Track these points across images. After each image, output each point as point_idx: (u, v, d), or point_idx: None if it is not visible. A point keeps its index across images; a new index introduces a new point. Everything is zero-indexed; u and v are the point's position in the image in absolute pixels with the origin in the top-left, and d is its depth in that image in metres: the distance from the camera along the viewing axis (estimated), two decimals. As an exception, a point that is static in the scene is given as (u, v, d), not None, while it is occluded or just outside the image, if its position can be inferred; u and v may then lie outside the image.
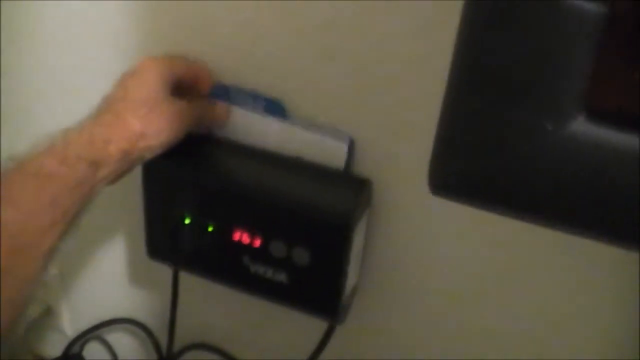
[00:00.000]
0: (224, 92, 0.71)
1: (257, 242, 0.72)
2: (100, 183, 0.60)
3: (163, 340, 0.90)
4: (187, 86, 0.68)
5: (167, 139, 0.64)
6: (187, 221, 0.73)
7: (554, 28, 0.26)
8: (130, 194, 0.79)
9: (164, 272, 0.81)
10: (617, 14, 0.25)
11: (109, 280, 0.94)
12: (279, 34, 0.67)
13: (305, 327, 0.79)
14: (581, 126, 0.27)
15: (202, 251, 0.75)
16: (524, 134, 0.27)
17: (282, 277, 0.72)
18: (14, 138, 0.86)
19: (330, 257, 0.70)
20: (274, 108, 0.70)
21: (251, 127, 0.71)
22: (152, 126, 0.62)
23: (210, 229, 0.73)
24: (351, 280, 0.73)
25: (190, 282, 0.81)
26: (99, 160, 0.59)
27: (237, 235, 0.72)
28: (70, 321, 1.01)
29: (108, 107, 0.63)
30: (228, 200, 0.71)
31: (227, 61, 0.71)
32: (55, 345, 1.02)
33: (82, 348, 0.99)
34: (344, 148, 0.68)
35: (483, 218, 0.61)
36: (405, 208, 0.70)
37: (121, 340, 0.99)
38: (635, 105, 0.26)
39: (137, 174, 0.70)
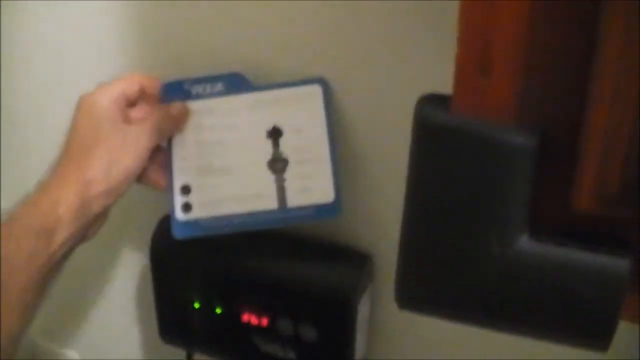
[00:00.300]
0: (178, 88, 0.68)
1: (265, 322, 0.75)
2: (60, 249, 0.58)
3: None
4: (134, 99, 0.66)
5: (124, 171, 0.61)
6: (196, 305, 0.77)
7: (490, 163, 0.29)
8: (141, 278, 0.83)
9: (178, 354, 0.83)
10: (545, 145, 0.29)
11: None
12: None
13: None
14: (525, 244, 0.30)
15: (212, 333, 0.78)
16: (473, 256, 0.31)
17: (291, 354, 0.75)
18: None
19: (336, 332, 0.73)
20: (235, 83, 0.68)
21: (219, 112, 0.68)
22: (99, 167, 0.59)
23: (218, 311, 0.76)
24: (359, 353, 0.75)
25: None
26: (49, 227, 0.57)
27: (245, 316, 0.75)
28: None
29: (52, 168, 0.61)
30: (234, 283, 0.75)
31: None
32: None
33: None
34: (319, 89, 0.66)
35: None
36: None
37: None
38: (570, 223, 0.29)
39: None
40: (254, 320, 0.75)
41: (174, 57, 0.74)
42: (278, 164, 0.66)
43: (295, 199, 0.66)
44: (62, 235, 0.57)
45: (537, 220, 0.30)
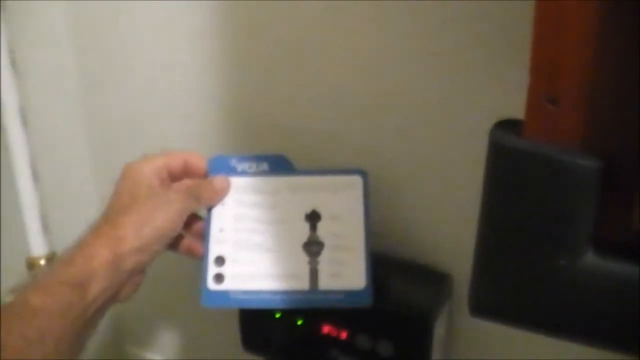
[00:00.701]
0: (225, 163, 0.72)
1: (344, 335, 0.79)
2: (94, 302, 0.61)
3: None
4: (178, 174, 0.70)
5: (155, 231, 0.64)
6: (277, 315, 0.82)
7: (558, 184, 0.33)
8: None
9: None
10: (610, 166, 0.32)
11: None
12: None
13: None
14: (590, 260, 0.34)
15: (292, 344, 0.83)
16: (542, 270, 0.34)
17: (368, 369, 0.79)
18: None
19: (413, 349, 0.76)
20: (279, 164, 0.72)
21: (261, 190, 0.72)
22: (131, 225, 0.63)
23: (299, 322, 0.81)
24: (436, 371, 0.78)
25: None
26: (83, 280, 0.60)
27: (325, 329, 0.80)
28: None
29: (89, 228, 0.64)
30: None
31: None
32: None
33: None
34: (359, 181, 0.71)
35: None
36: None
37: None
38: (634, 241, 0.33)
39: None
40: (333, 333, 0.79)
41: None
42: (313, 247, 0.69)
43: (327, 283, 0.68)
44: (95, 288, 0.60)
45: (601, 238, 0.34)
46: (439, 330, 0.77)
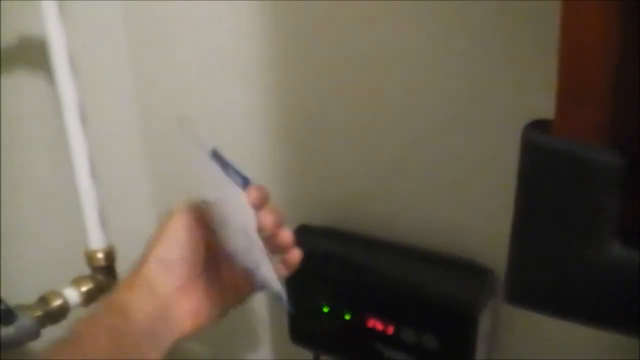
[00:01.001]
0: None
1: (390, 329, 0.83)
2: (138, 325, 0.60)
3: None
4: None
5: (168, 244, 0.63)
6: (325, 310, 0.86)
7: (585, 178, 0.36)
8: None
9: (306, 355, 0.93)
10: (635, 161, 0.35)
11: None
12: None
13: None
14: (616, 250, 0.37)
15: (339, 337, 0.87)
16: (572, 260, 0.38)
17: (414, 362, 0.83)
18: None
19: (458, 344, 0.80)
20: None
21: None
22: (148, 249, 0.63)
23: (346, 317, 0.85)
24: (480, 365, 0.81)
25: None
26: (121, 327, 0.59)
27: (371, 323, 0.83)
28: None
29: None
30: (362, 291, 0.83)
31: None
32: None
33: None
34: None
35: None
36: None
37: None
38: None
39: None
40: (379, 327, 0.83)
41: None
42: None
43: None
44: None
45: (627, 229, 0.37)
46: (484, 325, 0.80)
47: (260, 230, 0.62)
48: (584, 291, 0.38)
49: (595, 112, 0.36)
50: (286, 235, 0.64)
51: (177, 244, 0.63)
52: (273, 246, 0.64)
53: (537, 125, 0.39)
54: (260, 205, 0.62)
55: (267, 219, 0.62)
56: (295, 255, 0.66)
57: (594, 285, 0.38)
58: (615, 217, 0.37)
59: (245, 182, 0.63)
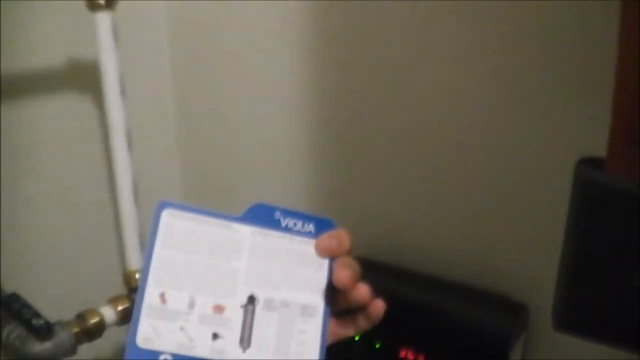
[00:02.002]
0: (269, 213, 0.64)
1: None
2: None
3: None
4: None
5: None
6: (356, 338, 0.88)
7: (636, 214, 0.39)
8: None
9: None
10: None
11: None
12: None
13: None
14: (663, 282, 0.40)
15: (370, 366, 0.89)
16: (620, 289, 0.41)
17: (445, 395, 0.85)
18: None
19: (489, 377, 0.81)
20: (326, 229, 0.65)
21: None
22: None
23: (377, 346, 0.87)
24: (510, 399, 0.83)
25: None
26: None
27: (402, 353, 0.86)
28: None
29: None
30: (395, 321, 0.85)
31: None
32: None
33: None
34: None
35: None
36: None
37: None
38: None
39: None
40: (410, 357, 0.85)
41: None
42: None
43: None
44: None
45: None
46: (515, 358, 0.82)
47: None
48: (631, 319, 0.41)
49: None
50: (363, 290, 0.60)
51: None
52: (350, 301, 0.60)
53: (588, 163, 0.42)
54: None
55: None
56: (379, 307, 0.62)
57: (638, 313, 0.41)
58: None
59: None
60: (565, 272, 0.44)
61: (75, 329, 0.87)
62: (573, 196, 0.42)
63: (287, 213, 0.65)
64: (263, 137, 1.00)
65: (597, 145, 0.44)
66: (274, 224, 0.65)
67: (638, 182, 0.40)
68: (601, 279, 0.42)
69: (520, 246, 0.82)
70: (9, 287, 0.84)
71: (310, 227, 0.65)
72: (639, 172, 0.40)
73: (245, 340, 0.59)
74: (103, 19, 0.86)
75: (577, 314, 0.44)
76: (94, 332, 0.89)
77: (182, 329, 0.59)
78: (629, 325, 0.41)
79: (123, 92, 0.89)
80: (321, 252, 0.61)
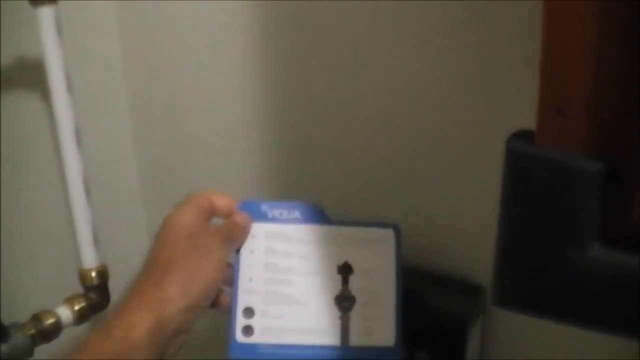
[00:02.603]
0: (256, 208, 0.73)
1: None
2: None
3: None
4: (209, 215, 0.70)
5: (203, 285, 0.63)
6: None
7: (567, 185, 0.39)
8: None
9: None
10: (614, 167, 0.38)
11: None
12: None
13: None
14: (597, 251, 0.40)
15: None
16: (554, 262, 0.41)
17: (406, 378, 0.85)
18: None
19: (448, 359, 0.81)
20: (313, 213, 0.73)
21: (293, 239, 0.73)
22: (176, 284, 0.62)
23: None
24: (470, 381, 0.84)
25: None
26: (122, 354, 0.58)
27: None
28: None
29: (128, 290, 0.63)
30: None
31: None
32: None
33: None
34: (391, 235, 0.73)
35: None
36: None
37: None
38: (636, 234, 0.39)
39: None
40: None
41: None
42: (345, 302, 0.71)
43: (357, 339, 0.70)
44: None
45: (608, 231, 0.40)
46: (473, 340, 0.83)
47: None
48: (567, 292, 0.41)
49: (576, 122, 0.39)
50: None
51: (210, 292, 0.66)
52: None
53: (521, 135, 0.42)
54: None
55: None
56: None
57: (576, 286, 0.41)
58: (596, 221, 0.40)
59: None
60: (500, 247, 0.44)
61: (31, 331, 0.86)
62: (504, 170, 0.42)
63: (273, 205, 0.73)
64: (217, 127, 1.00)
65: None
66: (263, 217, 0.72)
67: (569, 153, 0.40)
68: (535, 252, 0.42)
69: (476, 228, 0.82)
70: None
71: (296, 213, 0.73)
72: (569, 143, 0.40)
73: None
74: (46, 13, 0.84)
75: (513, 289, 0.44)
76: (51, 332, 0.88)
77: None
78: (564, 298, 0.41)
79: (70, 87, 0.88)
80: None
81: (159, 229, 0.67)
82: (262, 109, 0.94)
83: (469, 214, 0.83)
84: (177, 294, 0.61)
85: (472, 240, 0.83)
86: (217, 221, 0.71)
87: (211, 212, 0.70)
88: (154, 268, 0.64)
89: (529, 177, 0.40)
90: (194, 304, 0.63)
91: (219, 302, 0.69)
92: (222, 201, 0.71)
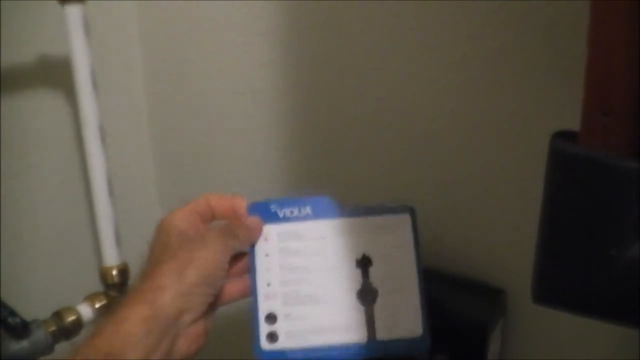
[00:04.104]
0: (265, 209, 0.71)
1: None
2: None
3: None
4: (209, 217, 0.69)
5: (196, 271, 0.61)
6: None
7: (610, 184, 0.40)
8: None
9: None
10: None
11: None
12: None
13: None
14: (638, 251, 0.41)
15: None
16: (597, 260, 0.42)
17: (425, 381, 0.85)
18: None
19: (469, 362, 0.82)
20: (323, 207, 0.71)
21: (306, 237, 0.71)
22: (168, 272, 0.61)
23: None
24: (490, 384, 0.84)
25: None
26: (113, 349, 0.56)
27: (381, 342, 0.86)
28: None
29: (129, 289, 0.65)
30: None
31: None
32: None
33: None
34: (407, 219, 0.71)
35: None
36: (537, 315, 0.83)
37: None
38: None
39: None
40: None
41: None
42: (368, 295, 0.70)
43: (384, 332, 0.69)
44: (133, 354, 0.56)
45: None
46: (494, 344, 0.83)
47: None
48: (609, 290, 0.42)
49: (620, 123, 0.40)
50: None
51: (209, 279, 0.63)
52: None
53: (563, 136, 0.43)
54: None
55: None
56: None
57: (616, 284, 0.42)
58: (637, 220, 0.41)
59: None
60: (542, 245, 0.45)
61: (52, 328, 0.87)
62: (548, 169, 0.42)
63: (282, 203, 0.71)
64: (237, 129, 1.00)
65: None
66: (274, 217, 0.70)
67: (613, 153, 0.41)
68: (577, 250, 0.43)
69: (497, 231, 0.83)
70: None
71: (307, 209, 0.71)
72: (613, 143, 0.41)
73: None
74: (74, 12, 0.85)
75: (554, 286, 0.45)
76: (71, 330, 0.89)
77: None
78: (605, 296, 0.42)
79: (95, 86, 0.89)
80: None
81: (154, 234, 0.66)
82: (282, 111, 0.95)
83: (490, 218, 0.83)
84: (170, 281, 0.60)
85: (492, 243, 0.84)
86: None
87: (209, 215, 0.69)
88: (147, 267, 0.64)
89: (574, 176, 0.41)
90: (190, 288, 0.61)
91: (226, 292, 0.68)
92: (220, 202, 0.69)
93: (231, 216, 0.69)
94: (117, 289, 0.94)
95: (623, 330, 0.73)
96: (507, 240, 0.83)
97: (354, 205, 0.72)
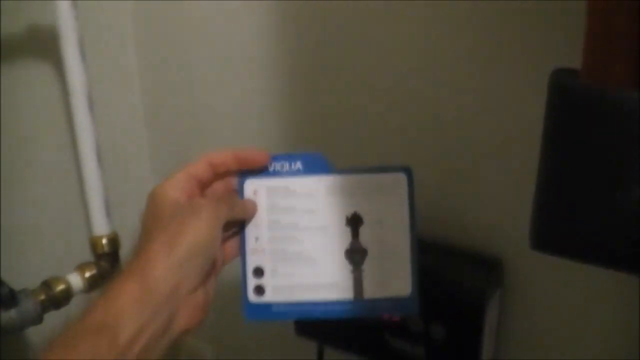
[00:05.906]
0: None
1: (396, 318, 0.83)
2: (133, 343, 0.54)
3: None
4: (209, 178, 0.66)
5: (186, 242, 0.59)
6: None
7: (615, 119, 0.37)
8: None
9: (311, 346, 0.93)
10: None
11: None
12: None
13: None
14: (641, 193, 0.38)
15: (344, 327, 0.87)
16: (599, 203, 0.39)
17: (420, 351, 0.83)
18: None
19: (465, 333, 0.81)
20: (315, 163, 0.68)
21: (296, 193, 0.68)
22: (159, 243, 0.58)
23: (352, 306, 0.85)
24: (486, 355, 0.82)
25: (334, 356, 0.93)
26: (107, 324, 0.54)
27: (378, 313, 0.84)
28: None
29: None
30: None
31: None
32: None
33: None
34: (403, 179, 0.68)
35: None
36: (535, 285, 0.80)
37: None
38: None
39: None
40: (385, 315, 0.83)
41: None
42: (357, 255, 0.68)
43: (371, 291, 0.67)
44: (128, 328, 0.54)
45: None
46: (491, 314, 0.81)
47: None
48: (610, 234, 0.40)
49: (621, 57, 0.37)
50: None
51: (203, 248, 0.60)
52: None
53: (564, 71, 0.41)
54: None
55: None
56: None
57: (619, 228, 0.39)
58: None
59: None
60: (541, 188, 0.42)
61: (41, 297, 0.84)
62: (548, 105, 0.40)
63: (273, 157, 0.68)
64: (231, 97, 0.98)
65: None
66: (264, 172, 0.68)
67: (619, 89, 0.38)
68: (579, 193, 0.40)
69: (494, 201, 0.81)
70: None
71: (298, 164, 0.68)
72: (615, 78, 0.38)
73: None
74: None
75: (554, 230, 0.42)
76: (61, 299, 0.86)
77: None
78: (610, 242, 0.40)
79: (83, 54, 0.87)
80: None
81: (146, 205, 0.63)
82: (277, 79, 0.93)
83: (487, 188, 0.81)
84: (161, 254, 0.57)
85: (489, 213, 0.82)
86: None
87: (209, 175, 0.66)
88: (139, 241, 0.61)
89: (574, 111, 0.38)
90: (182, 261, 0.58)
91: (226, 253, 0.67)
92: (219, 156, 0.66)
93: (240, 164, 0.67)
94: (107, 259, 0.91)
95: (623, 294, 0.72)
96: (504, 210, 0.80)
97: (349, 166, 0.69)
